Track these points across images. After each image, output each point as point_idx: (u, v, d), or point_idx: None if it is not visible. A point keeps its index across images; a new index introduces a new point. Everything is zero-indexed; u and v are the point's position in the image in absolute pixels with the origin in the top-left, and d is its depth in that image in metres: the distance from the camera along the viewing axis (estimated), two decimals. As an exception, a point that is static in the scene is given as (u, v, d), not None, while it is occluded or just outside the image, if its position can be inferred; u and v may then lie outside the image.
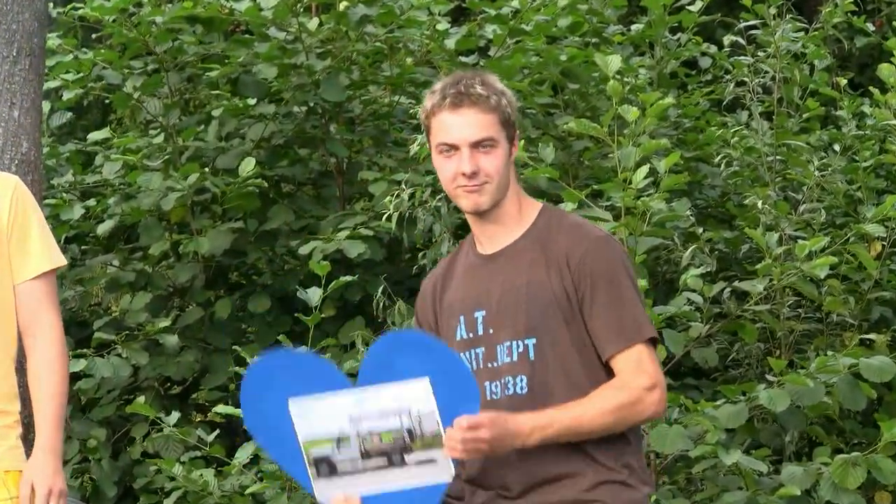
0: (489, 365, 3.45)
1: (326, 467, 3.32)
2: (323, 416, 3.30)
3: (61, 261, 3.88)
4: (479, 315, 3.48)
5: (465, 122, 3.41)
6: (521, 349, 3.43)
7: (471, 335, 3.48)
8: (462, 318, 3.50)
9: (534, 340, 3.42)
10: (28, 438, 3.79)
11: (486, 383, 3.44)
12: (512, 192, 3.50)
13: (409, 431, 3.27)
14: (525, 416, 3.32)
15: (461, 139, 3.41)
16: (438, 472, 3.29)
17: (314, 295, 5.62)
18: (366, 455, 3.29)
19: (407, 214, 6.19)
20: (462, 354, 3.44)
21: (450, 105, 3.42)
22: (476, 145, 3.41)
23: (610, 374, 3.41)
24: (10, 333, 3.80)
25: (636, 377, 3.37)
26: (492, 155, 3.41)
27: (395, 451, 3.29)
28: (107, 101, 7.72)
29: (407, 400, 3.26)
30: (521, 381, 3.43)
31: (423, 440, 3.27)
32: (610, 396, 3.36)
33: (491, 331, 3.46)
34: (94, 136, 7.72)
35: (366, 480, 3.31)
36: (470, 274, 3.54)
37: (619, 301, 3.41)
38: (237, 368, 5.93)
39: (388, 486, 3.30)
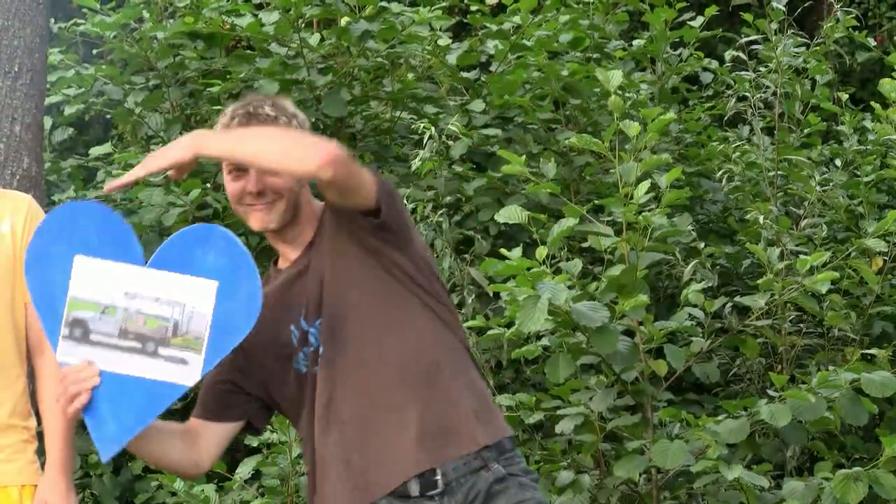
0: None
1: (80, 331, 3.23)
2: (101, 281, 3.23)
3: None
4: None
5: None
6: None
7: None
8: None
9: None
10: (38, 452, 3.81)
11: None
12: (309, 215, 3.41)
13: (175, 325, 3.21)
14: None
15: None
16: (184, 374, 3.21)
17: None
18: (123, 333, 3.22)
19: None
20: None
21: (237, 125, 3.32)
22: None
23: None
24: (24, 351, 3.83)
25: None
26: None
27: (152, 339, 3.21)
28: (108, 117, 7.73)
29: (187, 294, 3.21)
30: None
31: (185, 338, 3.20)
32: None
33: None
34: (96, 151, 7.72)
35: (112, 358, 3.22)
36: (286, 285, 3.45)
37: None
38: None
39: (130, 371, 3.22)
